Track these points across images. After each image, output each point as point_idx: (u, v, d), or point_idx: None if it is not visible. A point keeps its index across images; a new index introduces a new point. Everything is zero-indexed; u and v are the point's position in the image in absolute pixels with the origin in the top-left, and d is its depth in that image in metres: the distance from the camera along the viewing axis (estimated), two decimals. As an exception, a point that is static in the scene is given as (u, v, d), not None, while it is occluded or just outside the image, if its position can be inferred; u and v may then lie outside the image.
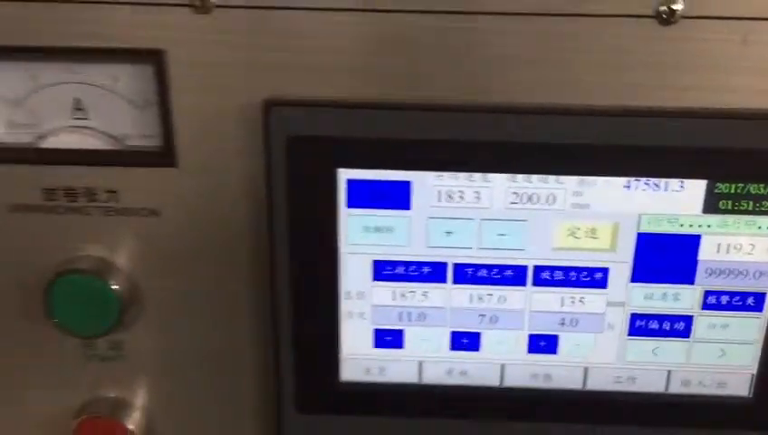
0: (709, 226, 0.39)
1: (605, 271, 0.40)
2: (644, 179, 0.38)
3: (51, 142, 0.40)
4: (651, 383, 0.43)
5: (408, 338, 0.42)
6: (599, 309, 0.41)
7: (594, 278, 0.40)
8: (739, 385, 0.42)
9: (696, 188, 0.38)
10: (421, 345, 0.42)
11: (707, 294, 0.40)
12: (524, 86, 0.37)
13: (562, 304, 0.41)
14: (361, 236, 0.40)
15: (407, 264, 0.41)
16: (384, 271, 0.41)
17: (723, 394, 0.42)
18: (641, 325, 0.41)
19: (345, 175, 0.39)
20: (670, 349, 0.42)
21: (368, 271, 0.41)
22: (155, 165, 0.39)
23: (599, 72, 0.37)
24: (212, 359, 0.44)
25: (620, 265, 0.40)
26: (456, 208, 0.39)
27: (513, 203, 0.39)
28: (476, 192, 0.39)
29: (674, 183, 0.38)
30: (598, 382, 0.43)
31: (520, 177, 0.38)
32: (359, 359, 0.43)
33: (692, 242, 0.39)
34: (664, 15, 0.35)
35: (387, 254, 0.40)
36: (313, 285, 0.41)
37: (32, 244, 0.41)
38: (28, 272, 0.41)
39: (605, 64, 0.36)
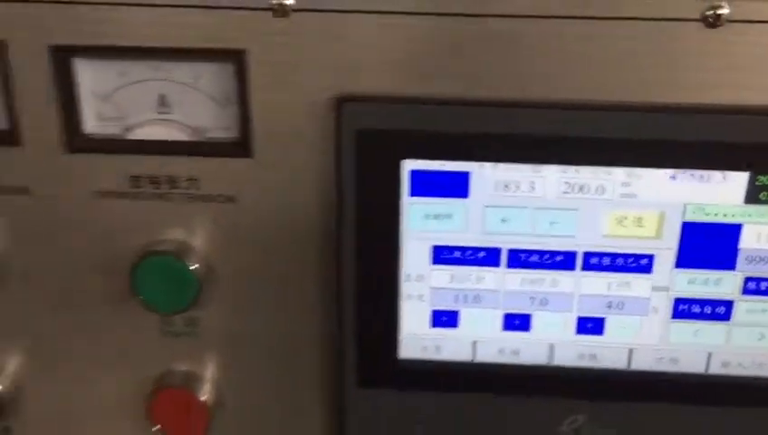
0: (750, 215, 0.41)
1: (651, 257, 0.43)
2: (689, 171, 0.40)
3: (137, 134, 0.43)
4: (692, 364, 0.45)
5: (462, 319, 0.45)
6: (644, 293, 0.44)
7: (640, 264, 0.43)
8: (777, 367, 0.45)
9: (738, 180, 0.40)
10: (475, 326, 0.45)
11: (747, 280, 0.43)
12: (578, 84, 0.40)
13: (609, 289, 0.44)
14: (422, 223, 0.43)
15: (464, 249, 0.43)
16: (442, 255, 0.44)
17: (761, 375, 0.45)
18: (684, 309, 0.44)
19: (408, 166, 0.42)
20: (711, 332, 0.44)
21: (427, 255, 0.44)
22: (232, 155, 0.43)
23: (649, 71, 0.39)
24: (279, 337, 0.47)
25: (665, 251, 0.42)
26: (511, 197, 0.42)
27: (564, 193, 0.42)
28: (531, 182, 0.42)
29: (717, 175, 0.40)
30: (641, 362, 0.45)
31: (572, 168, 0.41)
32: (416, 338, 0.46)
33: (733, 231, 0.42)
34: (710, 19, 0.38)
35: (445, 239, 0.43)
36: (376, 269, 0.44)
37: (118, 227, 0.44)
38: (115, 253, 0.45)
39: (655, 65, 0.39)
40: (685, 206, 0.41)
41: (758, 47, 0.38)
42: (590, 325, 0.45)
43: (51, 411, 0.50)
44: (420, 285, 0.44)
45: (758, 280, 0.43)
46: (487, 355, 0.46)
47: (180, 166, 0.43)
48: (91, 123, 0.43)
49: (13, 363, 0.49)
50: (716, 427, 0.46)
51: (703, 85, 0.39)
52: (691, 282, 0.43)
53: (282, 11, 0.39)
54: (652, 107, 0.39)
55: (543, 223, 0.42)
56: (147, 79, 0.42)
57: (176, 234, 0.44)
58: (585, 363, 0.46)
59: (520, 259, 0.43)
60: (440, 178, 0.42)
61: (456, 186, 0.42)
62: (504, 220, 0.43)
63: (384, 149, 0.41)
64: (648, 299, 0.44)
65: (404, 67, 0.40)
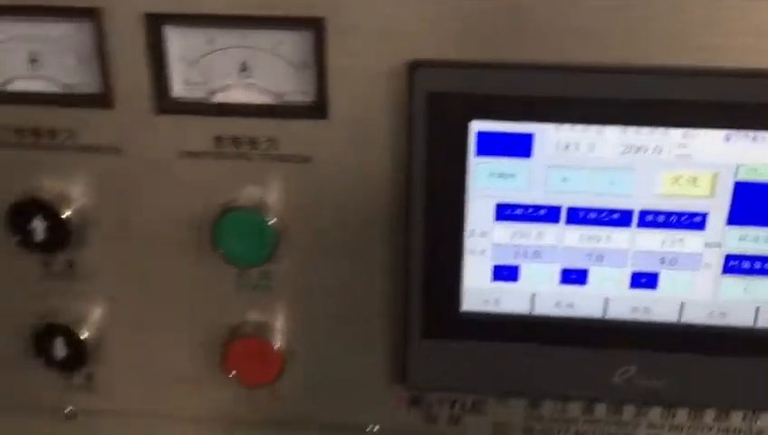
0: (800, 175, 0.44)
1: (704, 215, 0.45)
2: (743, 132, 0.43)
3: (220, 97, 0.46)
4: (741, 318, 0.48)
5: (522, 273, 0.48)
6: (696, 249, 0.46)
7: (693, 221, 0.45)
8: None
9: (789, 141, 0.43)
10: (534, 280, 0.48)
11: (796, 237, 0.45)
12: (639, 48, 0.42)
13: (663, 245, 0.46)
14: (487, 182, 0.46)
15: (525, 206, 0.46)
16: (505, 213, 0.46)
17: (807, 328, 0.47)
18: (734, 265, 0.46)
19: (475, 127, 0.44)
20: (760, 287, 0.47)
21: (491, 213, 0.46)
22: (309, 118, 0.46)
23: (705, 36, 0.41)
24: (347, 289, 0.50)
25: (718, 209, 0.45)
26: (571, 157, 0.45)
27: (623, 153, 0.44)
28: (591, 143, 0.44)
29: (769, 136, 0.43)
30: (692, 316, 0.48)
31: (631, 129, 0.44)
32: (478, 291, 0.48)
33: (784, 190, 0.44)
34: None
35: (508, 197, 0.46)
36: (442, 226, 0.47)
37: (201, 185, 0.48)
38: (197, 209, 0.48)
39: (711, 29, 0.41)
40: (737, 166, 0.44)
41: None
42: (643, 280, 0.47)
43: (131, 358, 0.53)
44: (483, 240, 0.47)
45: (806, 237, 0.45)
46: (544, 308, 0.49)
47: (260, 127, 0.46)
48: (179, 87, 0.46)
49: (98, 312, 0.52)
50: (763, 378, 0.48)
51: (757, 49, 0.41)
52: (742, 239, 0.45)
53: (359, -20, 0.42)
54: (708, 70, 0.42)
55: (602, 182, 0.45)
56: (231, 46, 0.45)
57: (254, 191, 0.47)
58: (638, 317, 0.48)
59: (578, 216, 0.46)
60: (505, 139, 0.44)
61: (520, 146, 0.45)
62: (564, 179, 0.45)
63: (453, 112, 0.44)
64: (701, 255, 0.46)
65: (472, 32, 0.43)
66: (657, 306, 0.48)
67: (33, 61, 0.46)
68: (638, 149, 0.44)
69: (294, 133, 0.46)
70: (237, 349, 0.51)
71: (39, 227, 0.48)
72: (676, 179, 0.45)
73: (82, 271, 0.51)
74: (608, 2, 0.41)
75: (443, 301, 0.49)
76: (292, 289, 0.50)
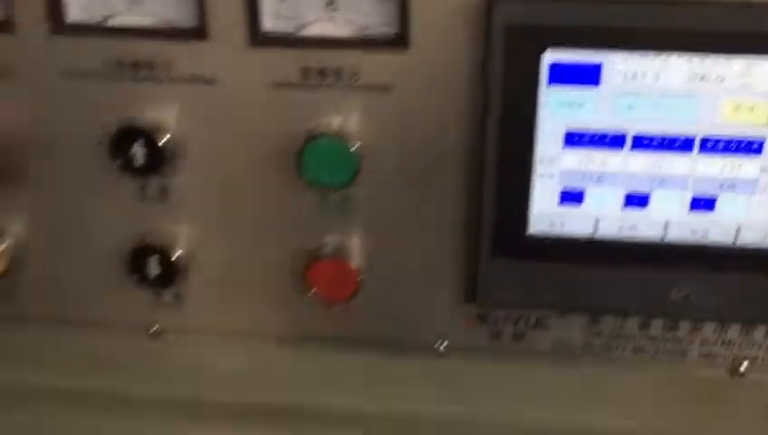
0: None
1: (761, 142, 0.48)
2: (803, 61, 0.46)
3: (308, 30, 0.49)
4: (794, 240, 0.51)
5: (587, 198, 0.51)
6: (753, 174, 0.49)
7: (751, 148, 0.48)
8: None
9: None
10: (598, 204, 0.51)
11: None
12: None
13: (722, 170, 0.49)
14: (557, 110, 0.49)
15: (593, 133, 0.49)
16: (573, 140, 0.50)
17: None
18: (789, 189, 0.49)
19: (548, 58, 0.47)
20: (813, 210, 0.50)
21: (560, 140, 0.50)
22: (390, 49, 0.49)
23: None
24: (421, 213, 0.53)
25: (776, 135, 0.48)
26: (638, 86, 0.47)
27: (687, 82, 0.47)
28: (657, 72, 0.47)
29: (828, 65, 0.45)
30: (747, 238, 0.51)
31: (696, 59, 0.46)
32: (545, 215, 0.52)
33: (840, 117, 0.47)
34: None
35: (577, 125, 0.49)
36: (514, 152, 0.50)
37: (288, 114, 0.51)
38: (284, 137, 0.51)
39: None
40: (796, 93, 0.46)
41: None
42: (702, 204, 0.50)
43: (218, 278, 0.57)
44: (552, 166, 0.50)
45: None
46: (607, 231, 0.52)
47: (344, 59, 0.49)
48: (269, 21, 0.49)
49: (187, 234, 0.56)
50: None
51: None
52: (798, 163, 0.48)
53: None
54: (772, 2, 0.44)
55: (666, 110, 0.48)
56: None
57: (338, 120, 0.51)
58: (696, 239, 0.51)
59: (643, 143, 0.49)
60: (575, 69, 0.47)
61: (589, 76, 0.48)
62: (630, 107, 0.48)
63: (527, 43, 0.47)
64: (757, 180, 0.49)
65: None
66: (715, 229, 0.51)
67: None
68: (702, 77, 0.47)
69: (376, 64, 0.49)
70: (317, 269, 0.55)
71: (138, 152, 0.51)
72: (737, 107, 0.47)
73: (175, 195, 0.54)
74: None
75: (512, 224, 0.52)
76: (369, 213, 0.54)
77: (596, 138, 0.49)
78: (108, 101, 0.51)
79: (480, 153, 0.50)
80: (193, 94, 0.51)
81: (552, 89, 0.48)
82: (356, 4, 0.48)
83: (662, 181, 0.50)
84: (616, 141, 0.49)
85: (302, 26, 0.49)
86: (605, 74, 0.47)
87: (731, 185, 0.50)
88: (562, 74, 0.48)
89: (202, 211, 0.55)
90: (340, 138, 0.50)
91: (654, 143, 0.49)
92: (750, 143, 0.48)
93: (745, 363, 0.56)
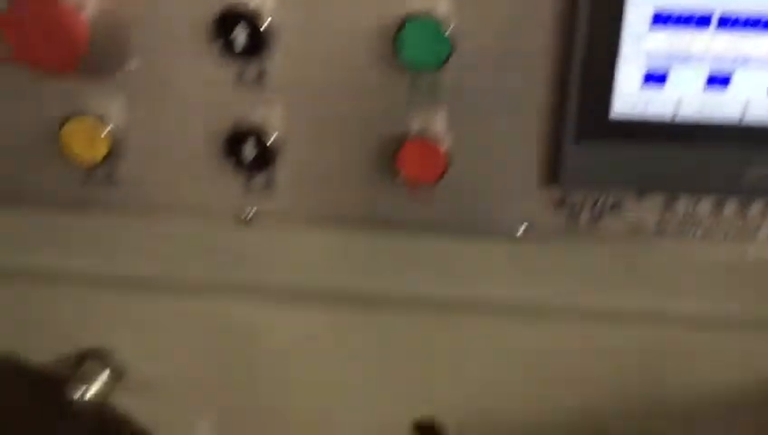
0: None
1: None
2: None
3: None
4: None
5: (670, 79, 0.54)
6: (835, 54, 0.51)
7: (834, 27, 0.50)
8: None
9: None
10: (680, 85, 0.54)
11: None
12: None
13: (805, 50, 0.51)
14: (646, -10, 0.51)
15: (679, 13, 0.51)
16: (660, 19, 0.52)
17: None
18: None
19: (641, -63, 0.49)
20: None
21: (647, 20, 0.52)
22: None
23: None
24: (508, 96, 0.56)
25: None
26: (727, -35, 0.49)
27: (776, -39, 0.49)
28: (747, -49, 0.49)
29: None
30: (824, 119, 0.53)
31: (786, -64, 0.48)
32: (628, 96, 0.54)
33: None
34: None
35: (665, 4, 0.51)
36: (602, 32, 0.52)
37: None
38: (379, 21, 0.54)
39: None
40: None
41: None
42: (783, 84, 0.52)
43: (308, 163, 0.60)
44: (638, 47, 0.53)
45: None
46: (688, 112, 0.54)
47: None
48: None
49: (280, 117, 0.58)
50: None
51: None
52: None
53: None
54: None
55: (753, -11, 0.50)
56: None
57: (431, 2, 0.53)
58: (774, 120, 0.54)
59: (728, 22, 0.51)
60: (667, -51, 0.49)
61: (680, -45, 0.50)
62: (717, -13, 0.50)
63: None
64: (838, 60, 0.51)
65: None
66: (794, 109, 0.53)
67: None
68: (791, -45, 0.49)
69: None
70: (406, 151, 0.57)
71: (240, 35, 0.54)
72: (823, -14, 0.49)
73: (271, 79, 0.57)
74: None
75: (596, 106, 0.55)
76: (459, 96, 0.56)
77: (683, 18, 0.51)
78: (211, -14, 0.54)
79: (568, 35, 0.52)
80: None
81: (642, -31, 0.50)
82: None
83: (745, 61, 0.52)
84: (702, 21, 0.51)
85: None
86: (695, -47, 0.49)
87: (812, 65, 0.52)
88: (654, -46, 0.50)
89: (297, 96, 0.57)
90: (435, 19, 0.53)
91: (739, 23, 0.51)
92: (833, 22, 0.50)
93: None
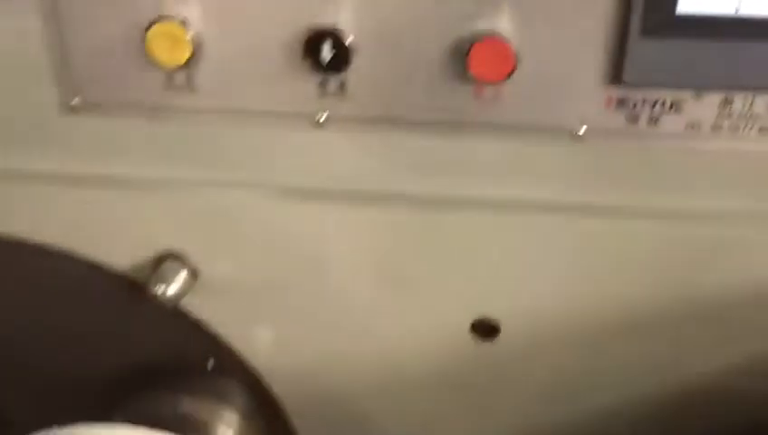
0: None
1: None
2: None
3: None
4: None
5: (734, -23, 0.56)
6: None
7: None
8: None
9: None
10: (743, -18, 0.56)
11: None
12: None
13: None
14: None
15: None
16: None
17: None
18: None
19: None
20: None
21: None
22: None
23: None
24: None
25: None
26: None
27: None
28: None
29: None
30: None
31: None
32: None
33: None
34: None
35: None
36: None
37: None
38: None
39: None
40: None
41: None
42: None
43: (380, 66, 0.63)
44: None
45: None
46: (751, 7, 0.57)
47: None
48: None
49: (353, 19, 0.61)
50: None
51: None
52: None
53: None
54: None
55: None
56: None
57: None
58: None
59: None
60: None
61: None
62: None
63: None
64: None
65: None
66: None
67: None
68: None
69: None
70: (476, 49, 0.60)
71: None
72: None
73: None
74: None
75: (661, 3, 0.57)
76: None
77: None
78: None
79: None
80: None
81: None
82: None
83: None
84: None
85: None
86: None
87: None
88: None
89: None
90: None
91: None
92: None
93: None
